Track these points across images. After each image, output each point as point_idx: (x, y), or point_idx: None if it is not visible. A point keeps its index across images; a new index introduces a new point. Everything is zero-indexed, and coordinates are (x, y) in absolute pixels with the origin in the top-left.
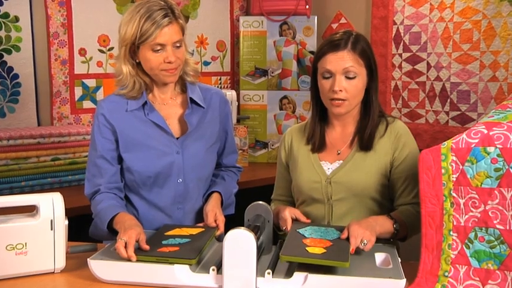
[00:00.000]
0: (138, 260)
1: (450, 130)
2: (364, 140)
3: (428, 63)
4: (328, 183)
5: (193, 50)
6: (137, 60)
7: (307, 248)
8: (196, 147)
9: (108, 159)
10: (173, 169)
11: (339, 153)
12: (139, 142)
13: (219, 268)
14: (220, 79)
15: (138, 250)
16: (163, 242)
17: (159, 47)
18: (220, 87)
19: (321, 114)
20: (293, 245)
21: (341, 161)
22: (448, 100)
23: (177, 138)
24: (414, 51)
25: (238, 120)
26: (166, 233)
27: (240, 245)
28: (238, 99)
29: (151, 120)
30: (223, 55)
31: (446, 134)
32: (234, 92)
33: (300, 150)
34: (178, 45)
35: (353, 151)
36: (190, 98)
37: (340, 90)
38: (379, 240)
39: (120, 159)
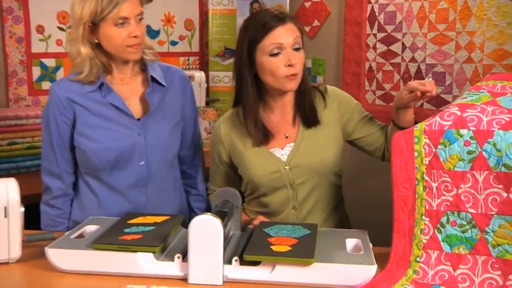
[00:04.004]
0: (98, 249)
1: (425, 113)
2: (308, 116)
3: (403, 44)
4: (288, 169)
5: (159, 29)
6: (96, 41)
7: (271, 247)
8: (159, 128)
9: (62, 146)
10: (135, 151)
11: (287, 137)
12: (98, 125)
13: (185, 256)
14: (188, 60)
15: (99, 238)
16: (126, 230)
17: (122, 21)
18: (189, 68)
19: (256, 102)
20: (258, 244)
21: (292, 144)
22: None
23: (139, 119)
24: (389, 31)
25: (207, 103)
26: (129, 221)
27: (206, 232)
28: (207, 81)
29: (110, 102)
30: (192, 34)
31: (422, 117)
32: (202, 73)
33: (244, 145)
34: (140, 17)
35: (301, 130)
36: (151, 77)
37: (295, 63)
38: (348, 224)
39: (73, 146)
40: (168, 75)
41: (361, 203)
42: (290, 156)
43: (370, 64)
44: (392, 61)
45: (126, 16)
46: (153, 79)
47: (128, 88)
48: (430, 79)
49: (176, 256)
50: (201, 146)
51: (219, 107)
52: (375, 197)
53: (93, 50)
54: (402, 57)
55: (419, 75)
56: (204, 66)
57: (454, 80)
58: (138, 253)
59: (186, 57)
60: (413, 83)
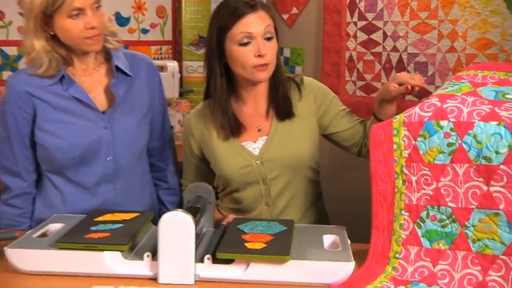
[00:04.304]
0: (62, 248)
1: (406, 104)
2: (282, 108)
3: (384, 33)
4: (260, 163)
5: (129, 16)
6: (51, 33)
7: (246, 244)
8: (126, 120)
9: (20, 143)
10: (101, 146)
11: (259, 130)
12: (60, 120)
13: (154, 254)
14: (160, 49)
15: (63, 237)
16: (92, 228)
17: (76, 12)
18: (161, 58)
19: (227, 93)
20: (231, 241)
21: (265, 137)
22: (405, 72)
23: (104, 112)
24: (370, 19)
25: (181, 94)
26: (95, 219)
27: (176, 229)
28: (180, 71)
29: (72, 95)
30: (164, 22)
31: (403, 109)
32: (176, 63)
33: (215, 138)
34: (97, 5)
35: (274, 123)
36: (116, 66)
37: (266, 53)
38: (327, 221)
39: (34, 142)
40: (134, 64)
41: (341, 199)
42: (262, 150)
43: (351, 53)
44: (373, 50)
45: (81, 7)
46: (118, 69)
47: (91, 79)
48: (417, 73)
49: (145, 255)
50: (171, 138)
51: (193, 98)
52: (356, 193)
53: (49, 43)
54: (383, 47)
55: (401, 65)
56: (177, 55)
57: (437, 70)
58: (105, 252)
59: (158, 46)
60: (403, 76)
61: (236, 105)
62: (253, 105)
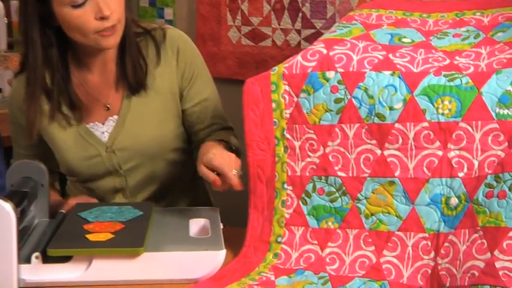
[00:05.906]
0: None
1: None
2: (131, 78)
3: None
4: (110, 152)
5: None
6: None
7: (87, 236)
8: None
9: None
10: None
11: (108, 108)
12: None
13: None
14: None
15: None
16: None
17: None
18: None
19: (65, 64)
20: (68, 234)
21: (116, 117)
22: (300, 14)
23: None
24: None
25: (10, 46)
26: None
27: None
28: (8, 15)
29: None
30: None
31: None
32: (1, 4)
33: (51, 119)
34: None
35: (125, 98)
36: None
37: (110, 14)
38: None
39: None
40: None
41: None
42: (113, 135)
43: None
44: None
45: None
46: None
47: None
48: (234, 172)
49: None
50: None
51: None
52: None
53: None
54: None
55: (294, 6)
56: None
57: (337, 11)
58: None
59: None
60: (215, 161)
61: (78, 73)
62: (101, 72)
